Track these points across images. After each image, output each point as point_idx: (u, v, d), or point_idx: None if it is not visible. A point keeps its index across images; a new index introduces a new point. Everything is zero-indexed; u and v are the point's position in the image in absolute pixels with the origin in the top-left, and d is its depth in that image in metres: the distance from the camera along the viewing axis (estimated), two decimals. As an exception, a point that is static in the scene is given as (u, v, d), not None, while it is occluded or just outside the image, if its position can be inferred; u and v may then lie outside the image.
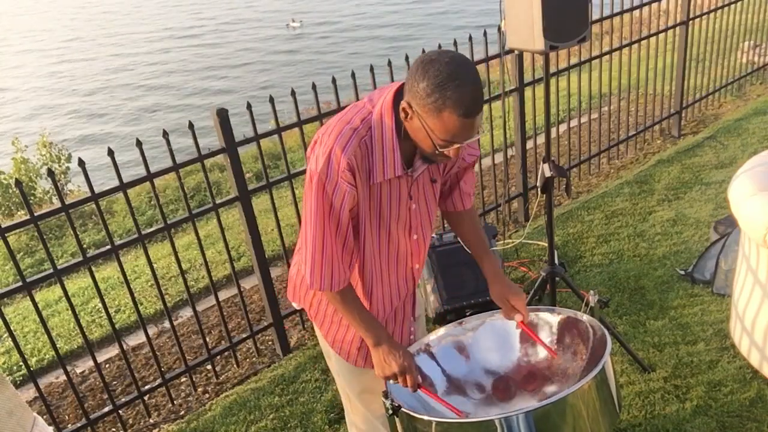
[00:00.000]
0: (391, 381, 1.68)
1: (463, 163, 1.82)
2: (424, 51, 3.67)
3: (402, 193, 1.66)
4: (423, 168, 1.65)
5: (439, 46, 3.49)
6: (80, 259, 2.72)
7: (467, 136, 1.45)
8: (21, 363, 3.65)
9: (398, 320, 1.88)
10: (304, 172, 3.27)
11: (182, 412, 3.12)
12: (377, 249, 1.71)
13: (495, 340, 1.87)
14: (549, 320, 1.83)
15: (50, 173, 2.56)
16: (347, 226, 1.58)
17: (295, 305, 1.92)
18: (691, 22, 5.09)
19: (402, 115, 1.49)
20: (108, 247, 2.79)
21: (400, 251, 1.75)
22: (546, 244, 3.31)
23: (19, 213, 9.22)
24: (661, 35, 4.97)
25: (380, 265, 1.74)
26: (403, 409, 1.53)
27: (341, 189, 1.51)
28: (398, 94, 1.54)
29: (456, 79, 1.37)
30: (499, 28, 3.67)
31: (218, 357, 3.42)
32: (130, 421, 3.14)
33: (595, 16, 4.20)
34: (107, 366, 3.62)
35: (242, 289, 3.77)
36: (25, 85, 27.26)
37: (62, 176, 10.74)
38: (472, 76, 1.40)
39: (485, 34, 3.74)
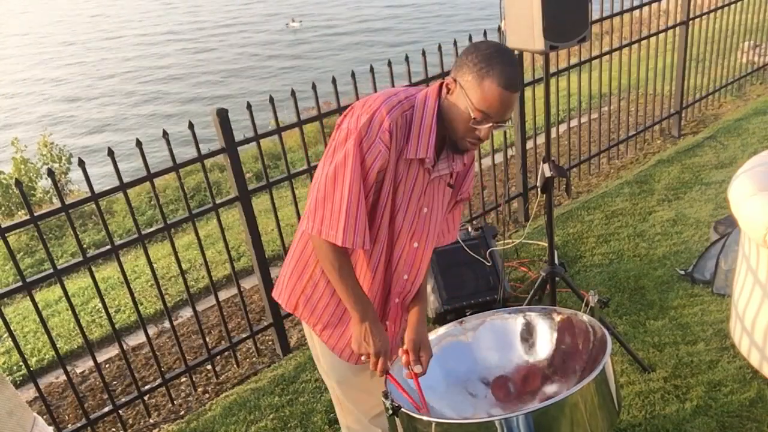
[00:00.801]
0: (363, 358, 1.73)
1: (463, 194, 1.85)
2: (423, 52, 3.66)
3: (419, 189, 1.69)
4: (445, 170, 1.69)
5: (440, 47, 3.51)
6: (80, 259, 2.72)
7: (501, 113, 1.53)
8: (21, 363, 3.65)
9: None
10: (304, 172, 3.28)
11: (182, 412, 3.12)
12: (383, 238, 1.71)
13: (495, 339, 1.87)
14: (549, 320, 1.83)
15: (50, 173, 2.56)
16: (370, 189, 1.62)
17: (282, 304, 1.89)
18: (691, 22, 5.09)
19: (444, 90, 1.59)
20: (108, 247, 2.79)
21: (396, 251, 1.74)
22: (546, 244, 3.31)
23: (19, 213, 9.22)
24: (661, 35, 4.97)
25: (378, 255, 1.73)
26: (403, 409, 1.53)
27: (376, 148, 1.56)
28: (441, 88, 1.64)
29: (503, 56, 1.52)
30: (499, 28, 3.68)
31: (218, 357, 3.42)
32: (130, 421, 3.14)
33: (595, 16, 4.19)
34: (107, 366, 3.62)
35: (242, 289, 3.77)
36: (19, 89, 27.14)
37: (62, 176, 10.74)
38: (515, 62, 1.55)
39: (485, 34, 3.74)
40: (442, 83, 1.62)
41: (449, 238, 1.93)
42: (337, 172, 1.58)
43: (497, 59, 1.50)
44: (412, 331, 1.78)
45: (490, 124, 1.54)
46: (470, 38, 3.74)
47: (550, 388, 1.73)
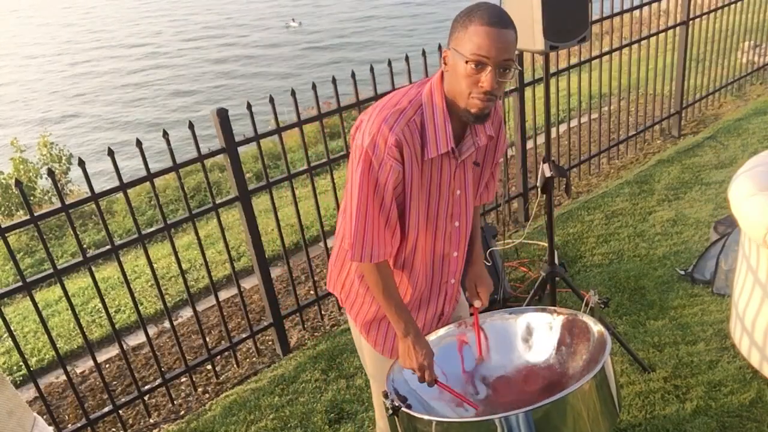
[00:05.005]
0: (412, 372, 1.75)
1: (497, 159, 1.87)
2: (424, 52, 3.66)
3: (448, 176, 1.70)
4: (470, 151, 1.69)
5: (439, 47, 3.50)
6: (80, 259, 2.72)
7: (494, 52, 1.47)
8: (21, 363, 3.66)
9: (429, 310, 1.89)
10: (304, 172, 3.28)
11: (182, 412, 3.12)
12: (423, 229, 1.73)
13: (495, 340, 1.87)
14: (549, 320, 1.83)
15: (50, 173, 2.56)
16: (390, 203, 1.63)
17: (334, 293, 1.97)
18: (691, 22, 5.09)
19: (442, 64, 1.58)
20: (108, 247, 2.79)
21: (439, 235, 1.77)
22: (546, 244, 3.31)
23: (18, 213, 9.22)
24: (661, 35, 4.97)
25: (423, 244, 1.76)
26: (403, 408, 1.54)
27: (387, 165, 1.57)
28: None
29: (483, 5, 1.52)
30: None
31: (218, 357, 3.42)
32: (130, 421, 3.14)
33: (595, 16, 4.19)
34: (107, 366, 3.62)
35: (242, 289, 3.77)
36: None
37: (62, 176, 10.74)
38: (498, 7, 1.52)
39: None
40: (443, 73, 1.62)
41: (488, 197, 1.98)
42: (351, 191, 1.64)
43: (478, 7, 1.51)
44: (472, 265, 1.87)
45: (490, 69, 1.49)
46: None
47: (550, 388, 1.73)
